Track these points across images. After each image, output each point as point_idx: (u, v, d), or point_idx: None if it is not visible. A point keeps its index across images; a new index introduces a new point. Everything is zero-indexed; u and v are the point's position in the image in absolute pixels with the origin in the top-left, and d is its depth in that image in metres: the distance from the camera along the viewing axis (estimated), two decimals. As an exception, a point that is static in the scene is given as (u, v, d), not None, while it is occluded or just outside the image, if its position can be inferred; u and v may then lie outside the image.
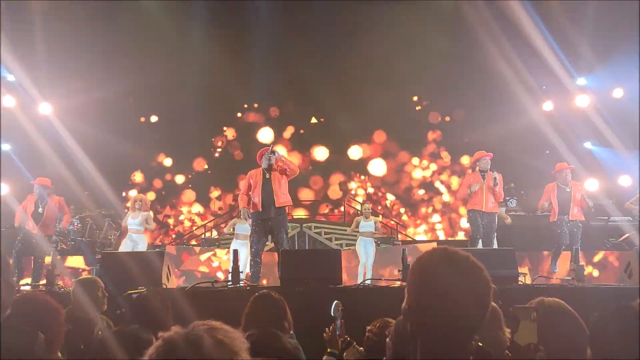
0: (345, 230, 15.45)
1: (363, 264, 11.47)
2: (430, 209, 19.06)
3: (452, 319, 1.66)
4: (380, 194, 19.42)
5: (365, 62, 17.81)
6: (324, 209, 19.14)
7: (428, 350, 1.72)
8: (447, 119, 19.66)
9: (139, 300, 3.70)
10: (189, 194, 19.19)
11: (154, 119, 19.23)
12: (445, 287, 1.68)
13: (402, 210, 19.23)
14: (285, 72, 18.09)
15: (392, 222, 17.77)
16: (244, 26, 17.00)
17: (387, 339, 3.14)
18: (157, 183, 19.10)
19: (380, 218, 15.14)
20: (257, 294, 3.88)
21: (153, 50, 16.63)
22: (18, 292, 3.84)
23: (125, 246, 10.11)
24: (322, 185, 19.34)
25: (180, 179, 19.28)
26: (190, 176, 19.48)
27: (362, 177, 19.51)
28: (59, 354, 3.31)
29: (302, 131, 19.67)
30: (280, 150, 8.39)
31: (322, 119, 19.73)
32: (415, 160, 19.67)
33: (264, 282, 9.41)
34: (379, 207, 18.93)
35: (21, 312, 3.09)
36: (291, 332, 3.90)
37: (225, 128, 19.82)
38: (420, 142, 19.69)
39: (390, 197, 19.24)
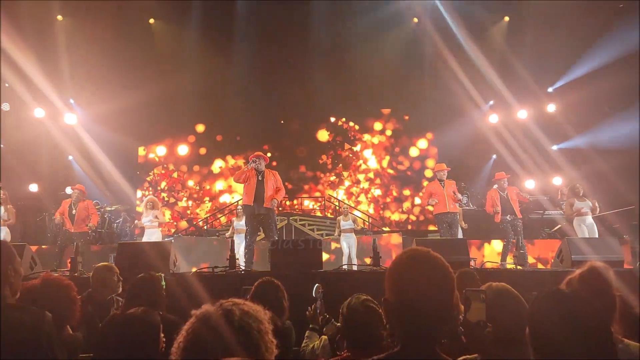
0: (325, 222, 15.49)
1: (347, 255, 11.52)
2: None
3: (421, 307, 1.68)
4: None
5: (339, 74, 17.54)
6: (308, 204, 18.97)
7: (405, 337, 1.74)
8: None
9: (136, 282, 3.67)
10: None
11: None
12: (410, 282, 1.72)
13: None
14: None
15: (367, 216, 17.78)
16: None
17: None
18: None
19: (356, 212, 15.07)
20: (261, 279, 3.88)
21: (164, 64, 16.45)
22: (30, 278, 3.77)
23: (143, 239, 10.24)
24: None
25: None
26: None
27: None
28: (70, 329, 3.28)
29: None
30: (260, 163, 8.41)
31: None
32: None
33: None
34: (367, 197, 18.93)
35: (34, 291, 3.07)
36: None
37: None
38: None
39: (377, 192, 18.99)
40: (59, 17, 15.15)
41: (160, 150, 18.91)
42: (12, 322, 2.24)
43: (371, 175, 19.12)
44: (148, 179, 18.52)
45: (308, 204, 18.55)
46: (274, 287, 3.83)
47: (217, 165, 19.00)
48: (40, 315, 2.32)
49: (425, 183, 16.62)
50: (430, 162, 18.74)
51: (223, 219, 17.58)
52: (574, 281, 2.63)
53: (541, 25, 14.83)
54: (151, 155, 18.81)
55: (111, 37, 15.01)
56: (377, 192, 18.95)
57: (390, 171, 19.10)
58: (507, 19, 16.09)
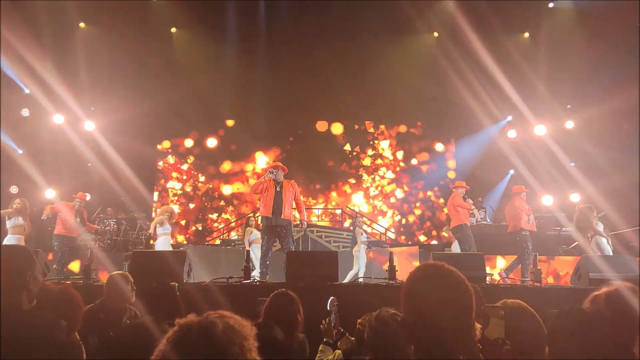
0: (342, 234, 15.44)
1: (358, 268, 11.53)
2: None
3: (440, 325, 1.65)
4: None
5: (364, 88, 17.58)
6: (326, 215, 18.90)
7: (422, 353, 1.71)
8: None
9: (151, 291, 3.66)
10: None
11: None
12: (430, 299, 1.68)
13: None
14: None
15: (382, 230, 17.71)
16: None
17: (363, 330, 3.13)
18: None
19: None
20: (276, 291, 3.85)
21: (180, 72, 16.62)
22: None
23: (157, 247, 10.25)
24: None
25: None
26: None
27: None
28: (77, 335, 3.29)
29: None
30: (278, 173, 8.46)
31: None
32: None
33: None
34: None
35: (43, 299, 3.08)
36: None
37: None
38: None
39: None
40: (82, 25, 15.40)
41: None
42: (28, 328, 2.26)
43: (388, 174, 19.10)
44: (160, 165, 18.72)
45: (321, 214, 18.49)
46: (289, 299, 3.79)
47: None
48: (55, 322, 2.33)
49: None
50: (451, 163, 18.83)
51: (233, 234, 17.58)
52: (600, 300, 2.58)
53: (560, 43, 14.81)
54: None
55: (132, 44, 15.23)
56: (398, 194, 18.89)
57: (402, 164, 19.19)
58: (527, 35, 16.09)
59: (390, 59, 16.64)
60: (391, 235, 17.82)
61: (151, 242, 11.70)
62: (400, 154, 19.24)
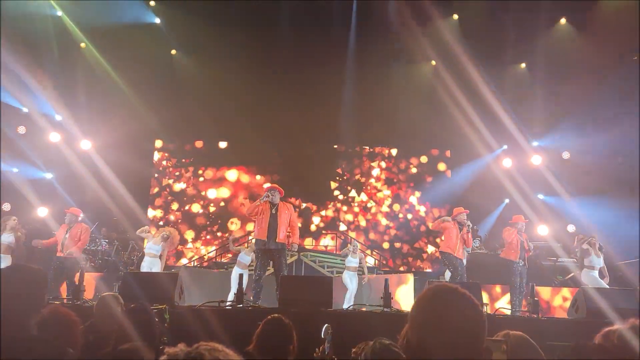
0: (336, 259, 15.29)
1: (350, 291, 11.32)
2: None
3: (451, 352, 1.55)
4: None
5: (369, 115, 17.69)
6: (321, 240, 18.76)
7: None
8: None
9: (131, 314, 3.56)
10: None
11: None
12: (447, 323, 1.58)
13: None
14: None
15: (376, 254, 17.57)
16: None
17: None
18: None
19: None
20: (269, 317, 3.74)
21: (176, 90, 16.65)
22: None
23: (144, 268, 9.94)
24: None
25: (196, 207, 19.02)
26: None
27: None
28: None
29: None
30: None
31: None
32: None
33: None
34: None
35: (46, 324, 2.97)
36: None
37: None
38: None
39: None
40: (82, 45, 15.45)
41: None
42: (35, 354, 2.21)
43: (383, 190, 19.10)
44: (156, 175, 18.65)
45: (315, 239, 18.38)
46: (283, 326, 3.68)
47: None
48: (62, 350, 2.28)
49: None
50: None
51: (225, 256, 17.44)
52: (613, 336, 2.49)
53: (556, 73, 14.94)
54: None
55: (132, 65, 15.30)
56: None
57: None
58: (523, 65, 16.24)
59: (388, 86, 16.77)
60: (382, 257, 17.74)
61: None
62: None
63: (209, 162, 18.84)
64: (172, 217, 18.20)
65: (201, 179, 18.78)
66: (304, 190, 18.31)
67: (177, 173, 18.72)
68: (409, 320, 1.66)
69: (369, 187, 19.09)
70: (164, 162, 18.81)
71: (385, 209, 18.85)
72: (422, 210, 18.83)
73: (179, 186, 18.60)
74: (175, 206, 18.44)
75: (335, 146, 19.18)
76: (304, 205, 18.60)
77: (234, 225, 18.35)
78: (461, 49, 14.31)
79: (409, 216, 18.78)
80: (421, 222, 18.69)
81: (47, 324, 2.94)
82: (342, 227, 18.51)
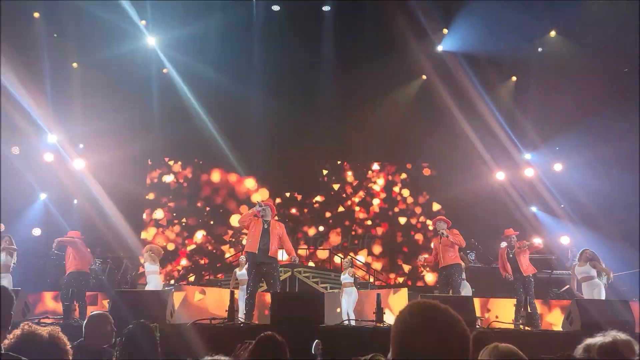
0: (330, 274, 15.23)
1: (345, 310, 11.25)
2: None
3: None
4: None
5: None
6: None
7: None
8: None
9: (127, 334, 3.53)
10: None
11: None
12: (425, 339, 1.55)
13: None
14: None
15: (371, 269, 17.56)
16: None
17: None
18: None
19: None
20: (262, 335, 3.69)
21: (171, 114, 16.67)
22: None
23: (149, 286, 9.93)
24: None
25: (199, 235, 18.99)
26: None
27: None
28: None
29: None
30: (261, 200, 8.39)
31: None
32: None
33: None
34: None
35: (30, 343, 2.92)
36: None
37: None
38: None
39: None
40: (74, 65, 15.45)
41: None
42: None
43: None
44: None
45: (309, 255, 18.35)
46: (276, 345, 3.64)
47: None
48: None
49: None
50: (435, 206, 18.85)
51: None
52: (593, 349, 2.47)
53: (547, 86, 15.02)
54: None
55: (124, 84, 15.32)
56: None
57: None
58: (514, 78, 16.34)
59: (378, 102, 16.96)
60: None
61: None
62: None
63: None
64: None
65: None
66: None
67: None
68: (390, 340, 1.63)
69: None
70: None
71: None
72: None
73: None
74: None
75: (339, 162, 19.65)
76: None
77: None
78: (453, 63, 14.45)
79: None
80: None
81: (22, 346, 2.89)
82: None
